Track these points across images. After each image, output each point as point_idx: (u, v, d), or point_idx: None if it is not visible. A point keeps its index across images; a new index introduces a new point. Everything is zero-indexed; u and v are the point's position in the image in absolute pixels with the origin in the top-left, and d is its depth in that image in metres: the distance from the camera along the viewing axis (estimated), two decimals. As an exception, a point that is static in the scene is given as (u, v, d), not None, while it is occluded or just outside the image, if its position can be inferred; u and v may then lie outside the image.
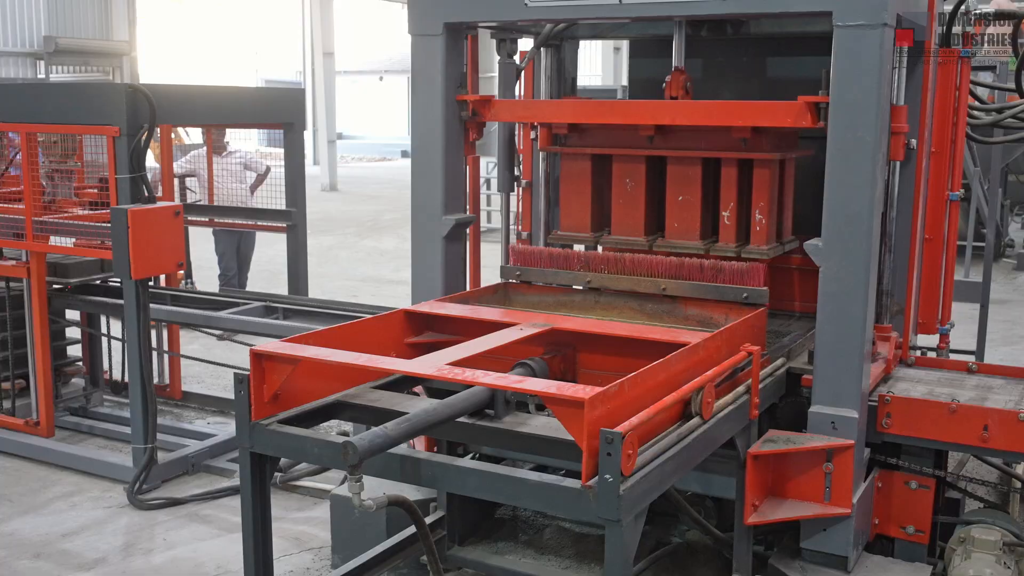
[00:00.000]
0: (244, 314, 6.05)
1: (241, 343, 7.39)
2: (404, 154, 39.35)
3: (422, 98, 4.47)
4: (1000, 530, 3.98)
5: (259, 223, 7.46)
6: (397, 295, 11.31)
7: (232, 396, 7.17)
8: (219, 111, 6.13)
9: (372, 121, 41.65)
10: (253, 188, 9.49)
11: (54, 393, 6.70)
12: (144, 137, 5.31)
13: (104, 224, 5.43)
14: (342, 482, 5.51)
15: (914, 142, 4.33)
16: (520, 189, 5.37)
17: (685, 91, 4.53)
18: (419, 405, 3.62)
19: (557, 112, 4.60)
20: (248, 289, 9.21)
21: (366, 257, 14.75)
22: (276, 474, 5.64)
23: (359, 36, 40.37)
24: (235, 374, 3.30)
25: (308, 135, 20.91)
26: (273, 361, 3.30)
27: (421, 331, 4.05)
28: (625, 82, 20.53)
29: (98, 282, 6.69)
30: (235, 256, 9.69)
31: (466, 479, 2.99)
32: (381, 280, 12.77)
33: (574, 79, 5.48)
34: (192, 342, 8.88)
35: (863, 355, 3.81)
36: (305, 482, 5.61)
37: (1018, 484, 4.96)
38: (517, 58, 5.07)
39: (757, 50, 5.09)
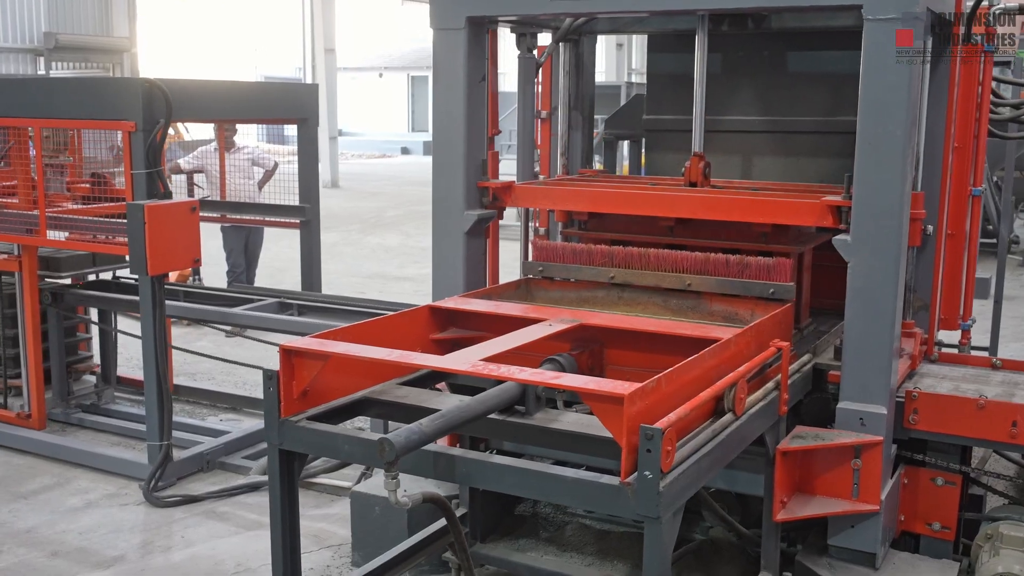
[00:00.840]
0: (259, 310, 6.03)
1: (252, 339, 7.38)
2: (404, 151, 39.29)
3: (444, 92, 4.44)
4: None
5: (272, 219, 7.42)
6: (404, 291, 11.31)
7: (229, 391, 7.22)
8: (234, 106, 6.09)
9: (371, 118, 41.58)
10: (261, 184, 9.46)
11: (66, 390, 6.69)
12: (161, 132, 5.27)
13: (119, 220, 5.40)
14: (358, 480, 5.49)
15: (931, 228, 4.33)
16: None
17: (704, 176, 4.50)
18: (447, 401, 3.60)
19: (576, 200, 4.52)
20: (257, 285, 9.18)
21: (371, 254, 14.71)
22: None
23: (358, 33, 40.28)
24: (264, 371, 3.27)
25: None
26: (302, 357, 3.27)
27: (445, 327, 4.02)
28: (628, 78, 20.52)
29: (93, 277, 6.67)
30: (243, 252, 9.66)
31: (502, 476, 2.96)
32: (387, 277, 12.74)
33: (592, 74, 5.46)
34: (201, 338, 8.86)
35: (892, 351, 3.78)
36: (321, 479, 5.59)
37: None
38: (535, 53, 5.05)
39: (778, 45, 5.06)
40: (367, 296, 9.42)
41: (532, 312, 3.96)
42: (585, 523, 4.77)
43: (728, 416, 3.21)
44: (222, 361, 7.42)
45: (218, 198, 8.56)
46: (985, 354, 5.76)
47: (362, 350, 3.27)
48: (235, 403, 7.20)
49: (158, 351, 5.45)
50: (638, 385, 2.77)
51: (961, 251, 4.67)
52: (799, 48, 5.03)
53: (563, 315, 3.83)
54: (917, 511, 4.16)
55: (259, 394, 7.37)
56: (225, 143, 8.94)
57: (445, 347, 3.94)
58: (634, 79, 25.89)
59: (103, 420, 6.65)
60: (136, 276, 5.48)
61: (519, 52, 4.95)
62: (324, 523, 5.18)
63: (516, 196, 4.57)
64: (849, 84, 4.84)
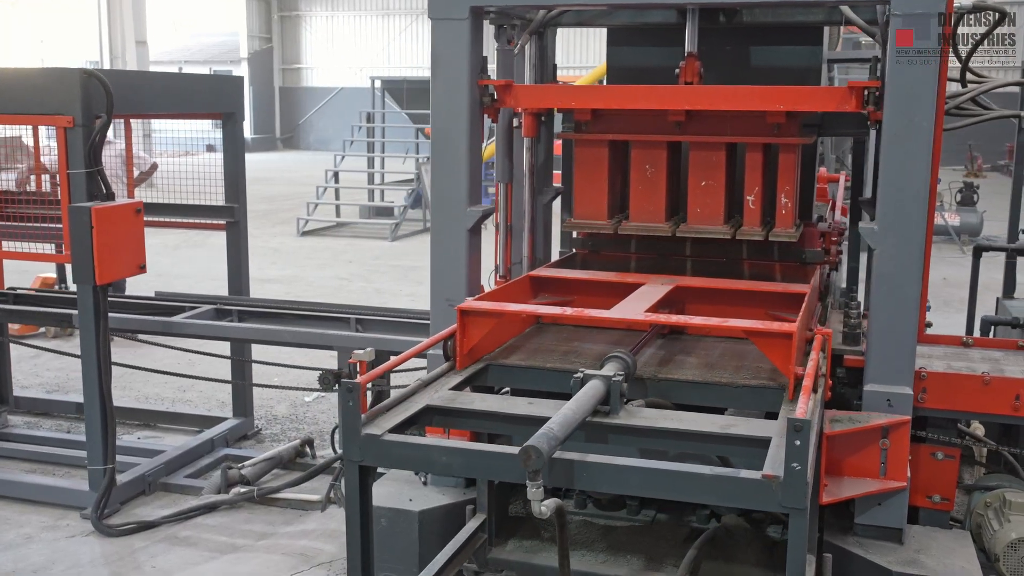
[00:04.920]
0: (196, 318, 5.64)
1: (163, 346, 6.90)
2: (209, 148, 37.72)
3: (444, 85, 4.28)
4: (1029, 492, 4.23)
5: (196, 220, 6.93)
6: (274, 292, 10.91)
7: (131, 406, 6.75)
8: (170, 100, 5.65)
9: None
10: (132, 186, 8.80)
11: (-38, 415, 6.05)
12: (101, 128, 4.83)
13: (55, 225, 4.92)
14: (328, 492, 5.24)
15: None
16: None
17: (699, 77, 4.56)
18: (514, 405, 3.49)
19: (585, 97, 4.52)
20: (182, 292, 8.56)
21: (220, 255, 13.93)
22: (252, 488, 5.32)
23: (157, 24, 38.36)
24: (342, 382, 3.07)
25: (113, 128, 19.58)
26: (473, 316, 3.71)
27: (538, 294, 4.36)
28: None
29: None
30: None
31: (627, 477, 2.89)
32: (252, 278, 12.14)
33: (555, 66, 5.41)
34: (75, 348, 8.19)
35: (916, 333, 3.94)
36: (285, 494, 5.29)
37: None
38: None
39: (740, 39, 5.16)
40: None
41: (618, 278, 4.34)
42: (587, 520, 4.71)
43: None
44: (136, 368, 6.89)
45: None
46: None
47: (535, 308, 3.94)
48: (144, 418, 6.73)
49: (101, 368, 4.99)
50: (795, 325, 3.29)
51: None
52: (763, 43, 5.13)
53: (648, 279, 4.20)
54: (919, 485, 4.34)
55: (166, 407, 6.93)
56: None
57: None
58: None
59: (5, 446, 6.04)
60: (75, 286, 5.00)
61: (498, 45, 4.84)
62: (305, 540, 4.90)
63: (517, 95, 4.48)
64: (810, 78, 5.05)
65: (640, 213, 4.62)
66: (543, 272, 4.47)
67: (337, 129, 34.19)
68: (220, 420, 6.41)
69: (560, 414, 2.92)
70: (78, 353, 7.06)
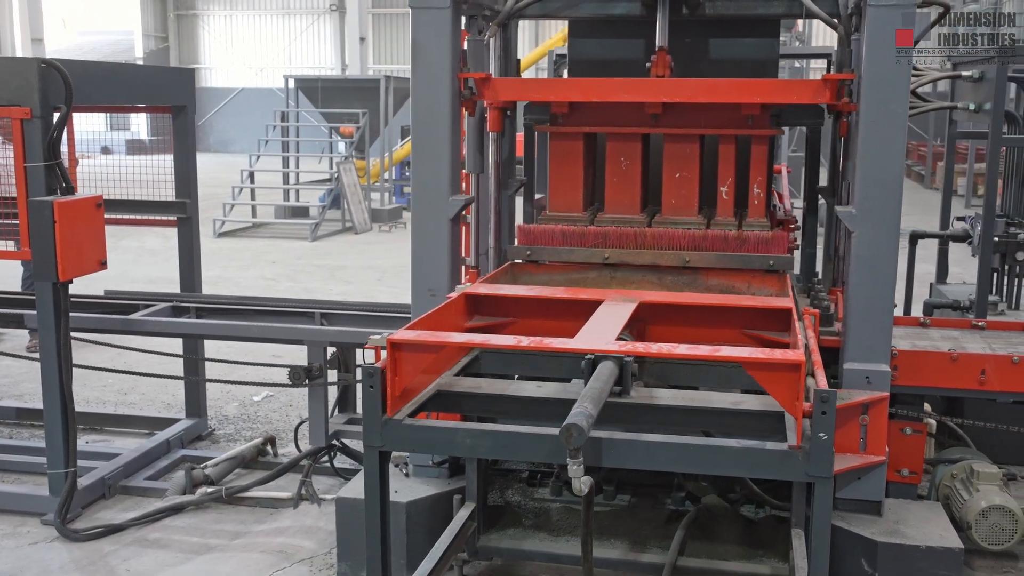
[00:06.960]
0: (155, 315, 5.50)
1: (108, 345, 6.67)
2: (104, 150, 36.56)
3: (426, 74, 4.28)
4: (994, 464, 4.43)
5: (146, 217, 6.72)
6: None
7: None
8: (125, 91, 5.49)
9: (64, 115, 38.38)
10: (75, 180, 8.50)
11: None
12: (61, 120, 4.68)
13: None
14: (300, 487, 5.17)
15: None
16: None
17: (670, 70, 4.65)
18: (522, 388, 3.51)
19: (565, 91, 4.55)
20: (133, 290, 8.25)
21: (137, 258, 13.69)
22: (219, 488, 5.21)
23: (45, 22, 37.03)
24: (364, 368, 3.05)
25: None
26: (405, 351, 3.09)
27: (471, 315, 3.90)
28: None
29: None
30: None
31: (656, 453, 2.95)
32: (173, 280, 11.83)
33: (518, 61, 5.44)
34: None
35: (892, 313, 4.10)
36: (256, 492, 5.19)
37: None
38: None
39: (700, 32, 5.27)
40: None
41: (569, 295, 3.95)
42: (560, 506, 4.74)
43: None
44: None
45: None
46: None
47: (485, 339, 3.19)
48: (89, 421, 6.51)
49: (62, 368, 4.83)
50: (800, 352, 2.86)
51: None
52: (722, 35, 5.26)
53: (612, 296, 3.83)
54: (888, 460, 4.51)
55: (111, 410, 6.73)
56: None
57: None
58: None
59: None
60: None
61: (469, 36, 4.84)
62: (282, 537, 4.81)
63: (496, 88, 4.49)
64: (768, 70, 5.20)
65: (615, 205, 4.67)
66: (480, 289, 3.96)
67: (239, 131, 33.50)
68: (170, 422, 6.25)
69: (588, 394, 2.94)
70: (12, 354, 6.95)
